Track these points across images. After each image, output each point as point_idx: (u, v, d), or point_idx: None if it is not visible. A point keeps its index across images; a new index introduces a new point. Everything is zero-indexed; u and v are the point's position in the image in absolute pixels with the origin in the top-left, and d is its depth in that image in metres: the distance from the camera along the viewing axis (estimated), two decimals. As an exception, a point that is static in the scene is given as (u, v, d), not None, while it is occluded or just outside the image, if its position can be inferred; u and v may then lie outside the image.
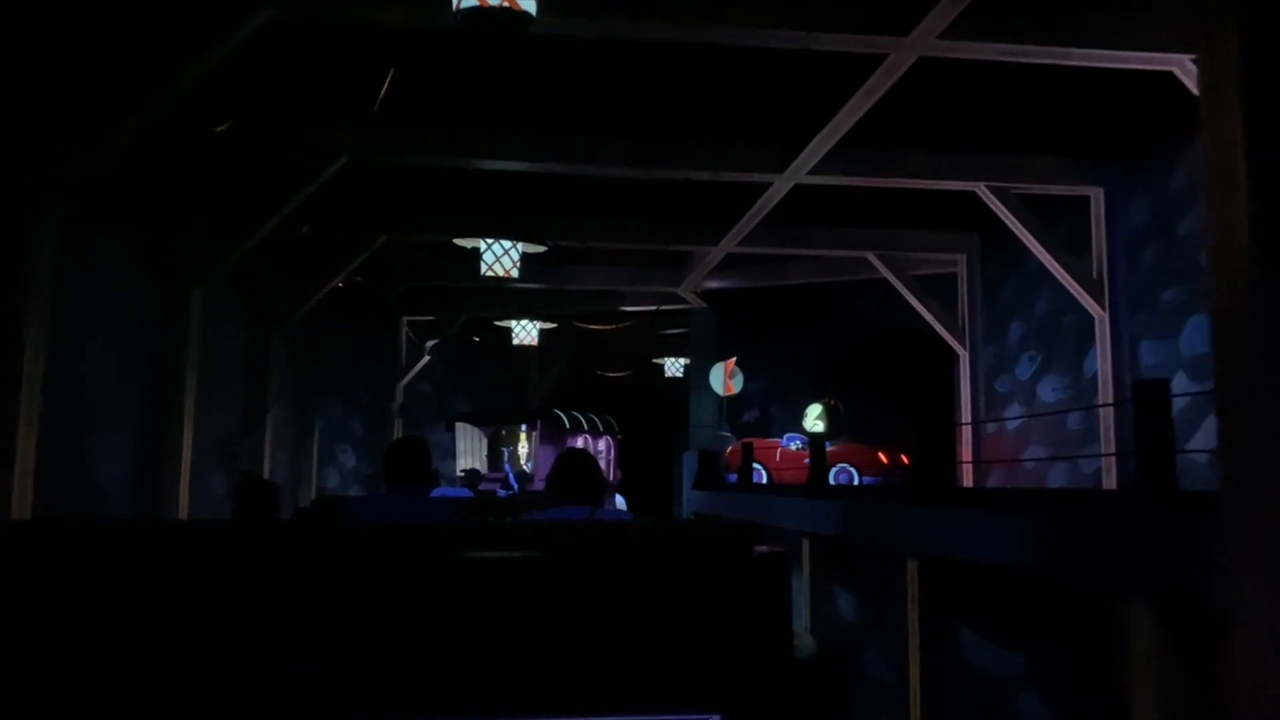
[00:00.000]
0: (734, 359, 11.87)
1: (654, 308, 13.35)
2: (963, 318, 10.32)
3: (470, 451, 14.88)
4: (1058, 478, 8.73)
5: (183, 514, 7.04)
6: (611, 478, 14.13)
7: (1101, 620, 3.80)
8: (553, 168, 7.60)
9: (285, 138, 7.00)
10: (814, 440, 7.43)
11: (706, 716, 1.85)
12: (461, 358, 15.22)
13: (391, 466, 3.80)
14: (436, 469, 7.31)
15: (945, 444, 5.28)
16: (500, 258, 8.56)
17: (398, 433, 14.16)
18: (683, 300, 12.80)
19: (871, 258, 10.27)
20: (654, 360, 17.13)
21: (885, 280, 11.03)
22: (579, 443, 14.00)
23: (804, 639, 7.26)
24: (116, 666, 1.73)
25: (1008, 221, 8.02)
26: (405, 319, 13.75)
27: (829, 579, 7.02)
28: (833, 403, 11.93)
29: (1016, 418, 9.28)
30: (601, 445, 14.86)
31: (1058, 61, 5.75)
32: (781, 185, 7.99)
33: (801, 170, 7.59)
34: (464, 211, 8.88)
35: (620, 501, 12.27)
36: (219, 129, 6.03)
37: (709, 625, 1.89)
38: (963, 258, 10.39)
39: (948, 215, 10.06)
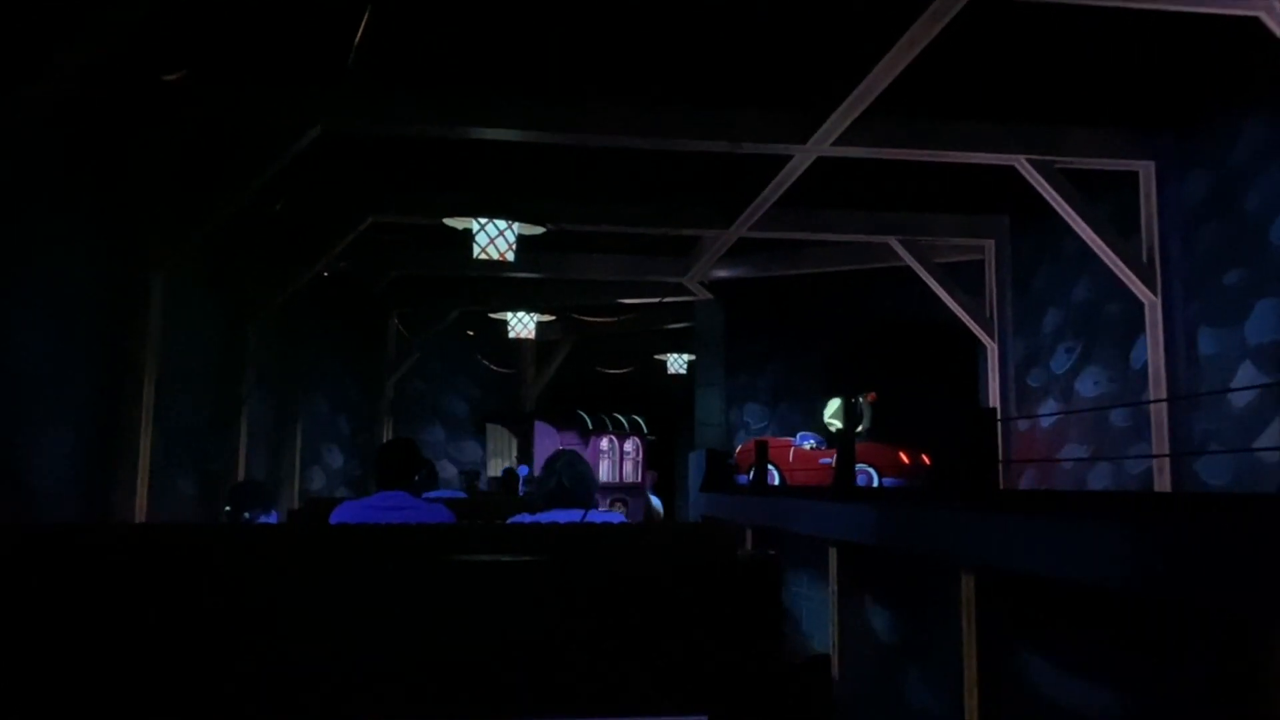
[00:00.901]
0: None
1: (657, 300, 12.64)
2: (990, 307, 9.63)
3: (500, 453, 14.58)
4: (1099, 479, 8.04)
5: (140, 517, 6.33)
6: (641, 479, 13.80)
7: (1238, 647, 3.12)
8: (552, 137, 6.89)
9: (249, 99, 6.29)
10: (842, 438, 6.73)
11: (694, 718, 1.86)
12: (455, 353, 14.51)
13: (381, 469, 3.79)
14: (432, 469, 6.98)
15: (991, 440, 4.57)
16: (495, 239, 7.85)
17: (388, 431, 13.48)
18: (688, 292, 12.10)
19: (893, 243, 9.57)
20: (656, 356, 16.41)
21: (901, 270, 10.37)
22: (604, 444, 13.87)
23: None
24: (112, 668, 1.74)
25: (1049, 199, 7.32)
26: (395, 311, 13.05)
27: (860, 593, 6.31)
28: (873, 399, 11.22)
29: (1053, 414, 8.59)
30: (629, 446, 14.53)
31: (1127, 3, 5.04)
32: (803, 158, 7.29)
33: (826, 140, 6.89)
34: (455, 189, 8.17)
35: (656, 502, 11.96)
36: (170, 78, 5.31)
37: (697, 627, 1.90)
38: (990, 243, 9.71)
39: (974, 197, 9.38)
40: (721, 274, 11.40)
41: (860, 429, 11.30)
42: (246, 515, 4.74)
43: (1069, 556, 3.75)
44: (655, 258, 11.40)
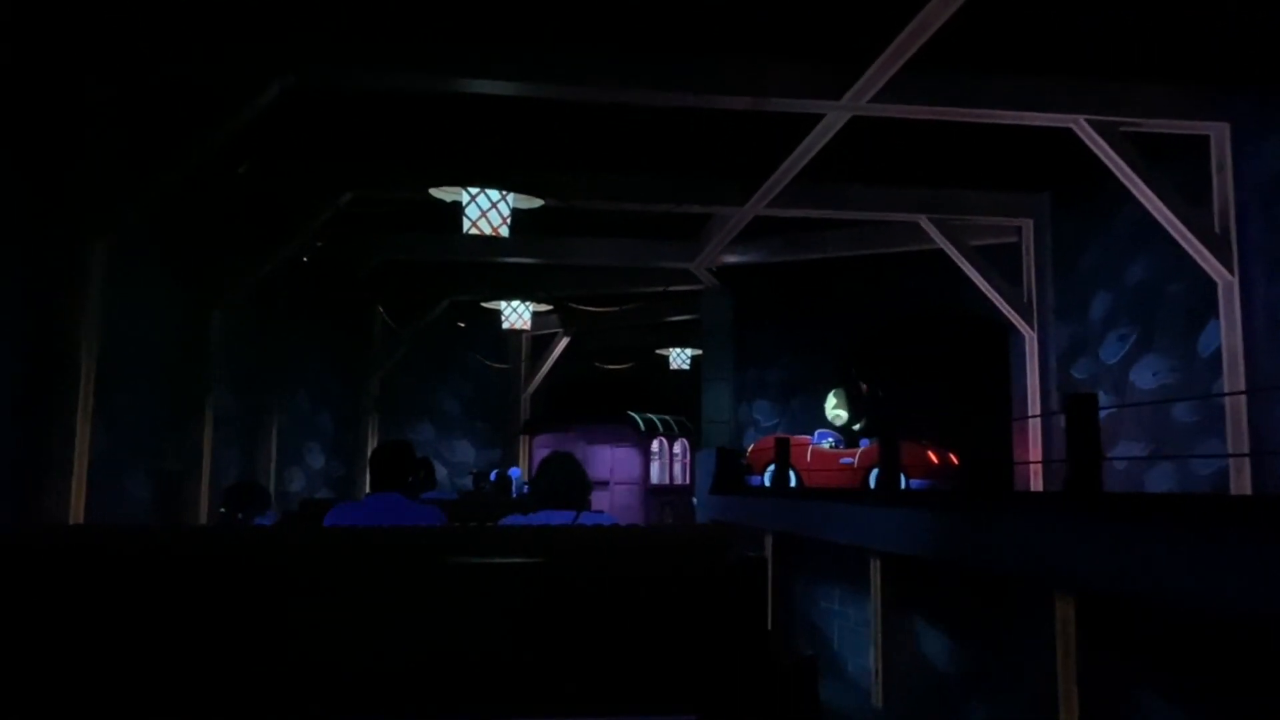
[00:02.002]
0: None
1: (661, 289, 11.80)
2: (1028, 292, 8.81)
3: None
4: (1160, 479, 7.22)
5: (77, 519, 5.47)
6: (685, 480, 13.35)
7: None
8: (552, 90, 6.04)
9: (207, 44, 5.45)
10: (885, 434, 5.89)
11: (683, 718, 1.89)
12: (445, 346, 13.64)
13: (375, 471, 3.76)
14: (430, 469, 6.61)
15: (1093, 432, 3.75)
16: (487, 212, 7.02)
17: (373, 429, 12.61)
18: (692, 281, 11.28)
19: (923, 221, 8.74)
20: (657, 351, 15.59)
21: (925, 255, 9.58)
22: (655, 446, 13.66)
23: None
24: (104, 669, 1.79)
25: (1111, 164, 6.51)
26: (380, 300, 12.17)
27: (909, 613, 5.48)
28: (865, 388, 10.45)
29: (1105, 408, 7.76)
30: (678, 448, 14.24)
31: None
32: (835, 118, 6.47)
33: (863, 96, 6.07)
34: (443, 156, 7.32)
35: None
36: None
37: (687, 628, 1.92)
38: (1028, 223, 8.90)
39: (1012, 173, 8.57)
40: (732, 259, 10.56)
41: (857, 425, 10.51)
42: (240, 516, 4.86)
43: (1216, 580, 2.92)
44: (661, 242, 10.57)
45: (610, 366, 16.34)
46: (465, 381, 14.06)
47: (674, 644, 1.91)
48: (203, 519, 7.64)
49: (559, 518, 3.14)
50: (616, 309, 12.22)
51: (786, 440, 8.14)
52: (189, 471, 7.61)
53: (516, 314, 11.31)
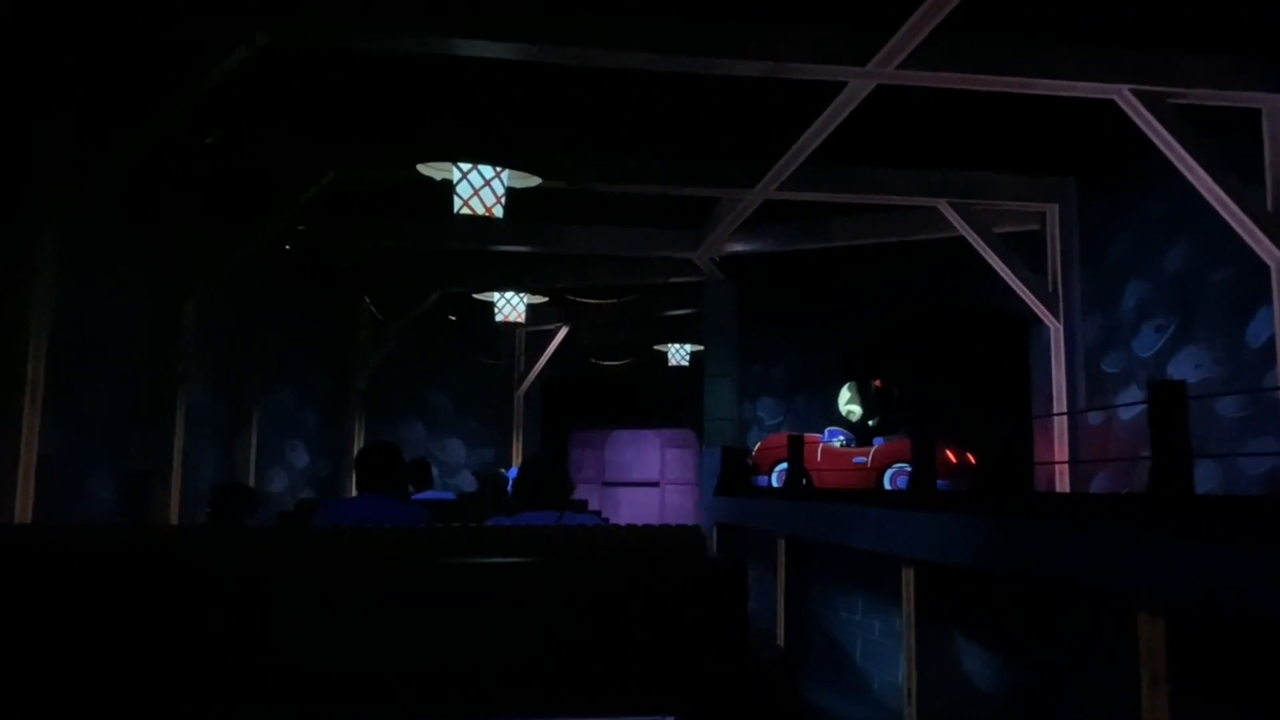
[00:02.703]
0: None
1: (663, 279, 11.28)
2: (1054, 282, 8.32)
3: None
4: (1205, 479, 6.72)
5: (24, 518, 4.93)
6: None
7: None
8: (549, 53, 5.51)
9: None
10: (917, 429, 5.39)
11: (662, 718, 1.91)
12: (436, 340, 13.10)
13: (361, 471, 3.77)
14: (425, 468, 6.69)
15: (1182, 427, 3.24)
16: (479, 190, 6.49)
17: (360, 427, 12.06)
18: (694, 272, 10.77)
19: (943, 206, 8.24)
20: (656, 347, 15.06)
21: (937, 244, 9.13)
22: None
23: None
24: (89, 672, 1.75)
25: (1158, 139, 6.01)
26: (367, 292, 11.62)
27: (947, 627, 4.97)
28: (879, 384, 9.94)
29: (1139, 403, 7.28)
30: None
31: None
32: (858, 87, 5.96)
33: (890, 63, 5.56)
34: (432, 126, 6.78)
35: None
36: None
37: (665, 628, 1.92)
38: (1053, 209, 8.41)
39: (1036, 155, 8.09)
40: (737, 248, 10.05)
41: (872, 421, 9.99)
42: (228, 518, 4.87)
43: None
44: (663, 230, 10.06)
45: (607, 363, 15.82)
46: (457, 378, 13.52)
47: (652, 643, 1.90)
48: (174, 521, 7.12)
49: (541, 519, 3.13)
50: (615, 301, 11.68)
51: (800, 438, 7.62)
52: (158, 472, 7.07)
53: (510, 306, 10.78)
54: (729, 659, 1.91)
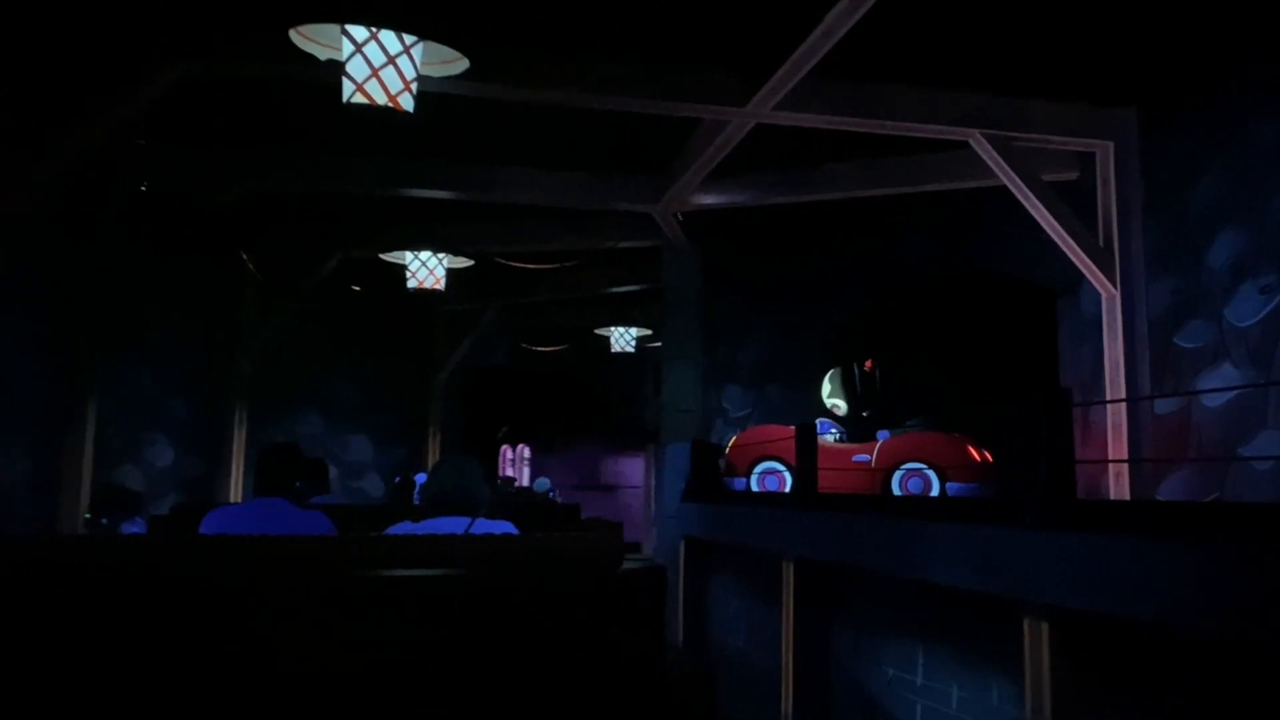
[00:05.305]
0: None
1: (613, 243, 9.41)
2: (1108, 238, 6.70)
3: None
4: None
5: None
6: None
7: None
8: None
9: None
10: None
11: None
12: (338, 316, 10.99)
13: (260, 474, 3.60)
14: (322, 470, 5.90)
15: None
16: (380, 69, 4.54)
17: (241, 418, 9.89)
18: (654, 234, 8.94)
19: (975, 138, 6.51)
20: (597, 331, 13.18)
21: (945, 198, 7.61)
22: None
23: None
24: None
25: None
26: (251, 256, 9.45)
27: (1093, 697, 3.20)
28: (870, 367, 8.27)
29: (1237, 387, 5.67)
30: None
31: None
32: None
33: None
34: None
35: None
36: None
37: (579, 639, 1.87)
38: (1106, 147, 6.77)
39: (1089, 80, 6.45)
40: (710, 200, 8.24)
41: (865, 413, 8.31)
42: (105, 522, 4.65)
43: None
44: (620, 177, 8.21)
45: (540, 349, 13.89)
46: (363, 362, 11.42)
47: (566, 655, 1.86)
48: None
49: (450, 526, 2.92)
50: (556, 266, 9.75)
51: (812, 427, 5.82)
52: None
53: (427, 269, 8.78)
54: (644, 669, 1.89)
